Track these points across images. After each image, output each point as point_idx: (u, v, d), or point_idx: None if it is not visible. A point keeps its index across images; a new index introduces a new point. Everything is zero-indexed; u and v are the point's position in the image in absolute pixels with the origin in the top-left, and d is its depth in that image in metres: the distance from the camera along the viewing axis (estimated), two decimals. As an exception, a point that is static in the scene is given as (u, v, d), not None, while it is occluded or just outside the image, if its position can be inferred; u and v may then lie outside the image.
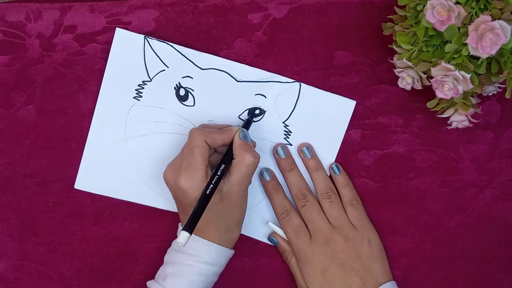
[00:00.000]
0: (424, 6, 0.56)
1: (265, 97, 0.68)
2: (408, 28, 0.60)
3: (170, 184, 0.62)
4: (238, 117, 0.69)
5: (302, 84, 0.68)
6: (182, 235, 0.56)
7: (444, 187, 0.70)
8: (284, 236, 0.69)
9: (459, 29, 0.55)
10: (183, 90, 0.68)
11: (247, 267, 0.71)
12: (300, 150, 0.69)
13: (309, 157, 0.69)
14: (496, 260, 0.71)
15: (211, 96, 0.68)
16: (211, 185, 0.60)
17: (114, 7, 0.67)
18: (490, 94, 0.64)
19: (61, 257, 0.71)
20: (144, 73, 0.68)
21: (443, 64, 0.56)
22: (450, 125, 0.64)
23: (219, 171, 0.61)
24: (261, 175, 0.69)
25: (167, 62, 0.68)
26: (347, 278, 0.65)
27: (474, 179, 0.70)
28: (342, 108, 0.69)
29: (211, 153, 0.64)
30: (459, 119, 0.63)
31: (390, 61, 0.64)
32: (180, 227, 0.66)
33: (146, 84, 0.68)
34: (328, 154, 0.69)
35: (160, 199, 0.70)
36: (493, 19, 0.53)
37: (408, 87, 0.63)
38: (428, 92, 0.62)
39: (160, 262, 0.66)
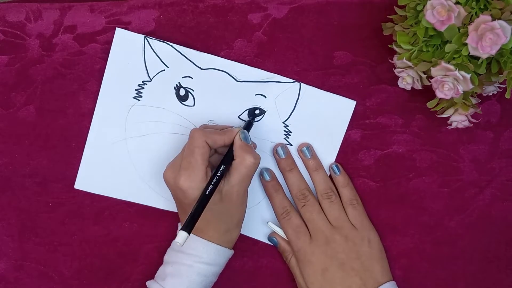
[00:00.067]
0: (424, 6, 0.56)
1: (265, 97, 0.68)
2: (408, 28, 0.60)
3: (170, 184, 0.62)
4: (238, 117, 0.69)
5: (302, 84, 0.68)
6: (180, 235, 0.56)
7: (444, 187, 0.70)
8: (284, 236, 0.69)
9: (459, 29, 0.55)
10: (183, 90, 0.68)
11: (247, 267, 0.71)
12: (300, 150, 0.69)
13: (309, 157, 0.69)
14: (496, 260, 0.71)
15: (211, 96, 0.68)
16: (211, 186, 0.60)
17: (114, 7, 0.67)
18: (490, 94, 0.64)
19: (61, 257, 0.71)
20: (144, 73, 0.68)
21: (443, 64, 0.56)
22: (450, 125, 0.64)
23: (219, 172, 0.61)
24: (261, 175, 0.69)
25: (167, 62, 0.68)
26: (347, 278, 0.65)
27: (474, 179, 0.70)
28: (342, 108, 0.69)
29: (211, 154, 0.64)
30: (459, 119, 0.63)
31: (390, 61, 0.64)
32: (180, 226, 0.66)
33: (146, 84, 0.68)
34: (328, 154, 0.69)
35: (160, 199, 0.70)
36: (493, 19, 0.53)
37: (408, 87, 0.63)
38: (428, 92, 0.62)
39: (160, 262, 0.66)
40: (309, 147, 0.69)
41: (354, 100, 0.69)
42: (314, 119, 0.69)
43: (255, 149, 0.67)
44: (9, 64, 0.68)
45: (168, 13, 0.68)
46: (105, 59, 0.68)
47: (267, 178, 0.69)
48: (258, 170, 0.69)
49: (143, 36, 0.67)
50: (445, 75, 0.57)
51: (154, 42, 0.67)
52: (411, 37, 0.60)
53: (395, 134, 0.69)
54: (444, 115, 0.63)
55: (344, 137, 0.69)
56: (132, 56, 0.68)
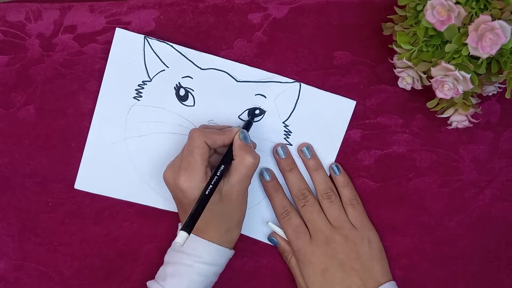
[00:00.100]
0: (424, 6, 0.56)
1: (265, 97, 0.68)
2: (408, 28, 0.60)
3: (170, 184, 0.62)
4: (238, 117, 0.69)
5: (302, 84, 0.68)
6: (180, 235, 0.56)
7: (444, 187, 0.70)
8: (284, 236, 0.69)
9: (459, 29, 0.55)
10: (183, 90, 0.68)
11: (247, 267, 0.71)
12: (300, 150, 0.69)
13: (309, 157, 0.69)
14: (496, 260, 0.71)
15: (211, 96, 0.68)
16: (210, 185, 0.60)
17: (114, 7, 0.67)
18: (490, 94, 0.64)
19: (61, 257, 0.71)
20: (144, 73, 0.68)
21: (443, 64, 0.56)
22: (450, 125, 0.64)
23: (219, 172, 0.61)
24: (261, 175, 0.69)
25: (167, 62, 0.68)
26: (347, 278, 0.65)
27: (474, 179, 0.70)
28: (342, 108, 0.69)
29: (211, 154, 0.64)
30: (459, 119, 0.63)
31: (390, 61, 0.64)
32: (180, 227, 0.66)
33: (146, 84, 0.68)
34: (328, 154, 0.69)
35: (160, 199, 0.70)
36: (493, 19, 0.53)
37: (408, 87, 0.63)
38: (428, 92, 0.62)
39: (160, 262, 0.66)
40: (309, 147, 0.69)
41: (354, 100, 0.69)
42: (314, 119, 0.69)
43: (255, 148, 0.67)
44: (9, 64, 0.68)
45: (168, 13, 0.68)
46: (105, 59, 0.68)
47: (267, 178, 0.69)
48: (258, 170, 0.69)
49: (143, 36, 0.67)
50: (445, 75, 0.57)
51: (154, 42, 0.67)
52: (411, 37, 0.60)
53: (395, 134, 0.69)
54: (444, 115, 0.63)
55: (344, 137, 0.69)
56: (132, 56, 0.68)
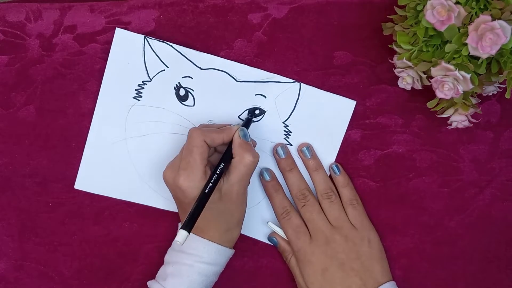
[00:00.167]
0: (424, 6, 0.56)
1: (265, 97, 0.68)
2: (408, 28, 0.60)
3: (170, 183, 0.62)
4: (238, 117, 0.69)
5: (302, 84, 0.68)
6: (181, 234, 0.56)
7: (444, 187, 0.70)
8: (284, 236, 0.69)
9: (459, 29, 0.55)
10: (183, 90, 0.68)
11: (247, 267, 0.71)
12: (300, 150, 0.69)
13: (309, 157, 0.69)
14: (496, 260, 0.71)
15: (211, 96, 0.68)
16: (210, 184, 0.60)
17: (114, 7, 0.67)
18: (490, 94, 0.64)
19: (61, 257, 0.71)
20: (144, 73, 0.68)
21: (443, 64, 0.56)
22: (450, 125, 0.64)
23: (218, 170, 0.61)
24: (261, 175, 0.69)
25: (167, 62, 0.68)
26: (347, 278, 0.65)
27: (474, 179, 0.70)
28: (342, 108, 0.69)
29: (211, 153, 0.64)
30: (459, 119, 0.63)
31: (390, 61, 0.64)
32: (180, 226, 0.66)
33: (146, 84, 0.68)
34: (328, 154, 0.69)
35: (160, 199, 0.70)
36: (493, 19, 0.53)
37: (408, 87, 0.63)
38: (428, 92, 0.62)
39: (160, 262, 0.66)
40: (309, 147, 0.69)
41: (354, 100, 0.69)
42: (314, 119, 0.69)
43: (255, 147, 0.67)
44: (9, 64, 0.68)
45: (168, 13, 0.68)
46: (105, 59, 0.68)
47: (267, 178, 0.69)
48: (257, 170, 0.69)
49: (142, 36, 0.67)
50: (445, 75, 0.57)
51: (154, 42, 0.67)
52: (411, 37, 0.60)
53: (395, 134, 0.69)
54: (444, 115, 0.63)
55: (344, 137, 0.69)
56: (132, 56, 0.68)
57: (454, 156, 0.70)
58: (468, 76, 0.56)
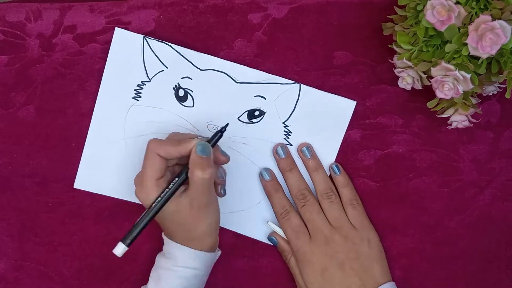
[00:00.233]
0: (424, 6, 0.56)
1: (265, 98, 0.68)
2: (408, 28, 0.60)
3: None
4: (238, 118, 0.69)
5: (302, 85, 0.68)
6: (118, 247, 0.57)
7: (444, 187, 0.70)
8: (284, 236, 0.69)
9: (459, 29, 0.55)
10: (182, 91, 0.68)
11: (247, 267, 0.71)
12: (300, 150, 0.69)
13: (309, 157, 0.69)
14: (496, 260, 0.71)
15: (210, 97, 0.68)
16: (158, 198, 0.60)
17: (114, 7, 0.67)
18: (490, 94, 0.64)
19: (61, 257, 0.71)
20: (143, 73, 0.68)
21: (443, 64, 0.56)
22: (450, 125, 0.64)
23: (171, 184, 0.60)
24: (260, 175, 0.69)
25: (166, 62, 0.68)
26: (346, 278, 0.65)
27: (474, 179, 0.70)
28: (342, 108, 0.69)
29: (172, 163, 0.63)
30: (459, 119, 0.63)
31: (390, 61, 0.64)
32: (163, 236, 0.65)
33: (145, 85, 0.68)
34: (328, 154, 0.69)
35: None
36: (493, 19, 0.53)
37: (408, 87, 0.63)
38: (428, 92, 0.62)
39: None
40: (309, 147, 0.69)
41: (354, 100, 0.69)
42: (314, 119, 0.69)
43: (227, 162, 0.64)
44: (9, 64, 0.68)
45: (168, 13, 0.68)
46: (105, 59, 0.68)
47: (267, 177, 0.69)
48: (257, 170, 0.69)
49: (142, 36, 0.67)
50: (445, 75, 0.57)
51: (153, 42, 0.67)
52: (411, 37, 0.60)
53: (395, 134, 0.69)
54: (444, 115, 0.63)
55: (344, 137, 0.69)
56: (131, 56, 0.68)
57: (454, 156, 0.70)
58: (468, 76, 0.56)
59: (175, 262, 0.62)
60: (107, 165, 0.69)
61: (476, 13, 0.55)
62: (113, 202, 0.70)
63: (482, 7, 0.55)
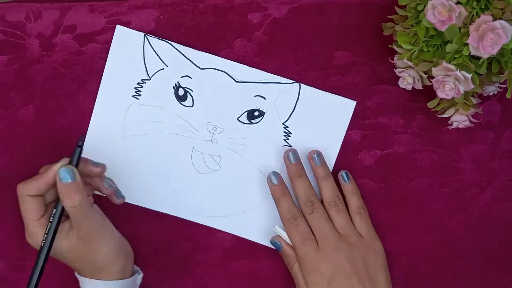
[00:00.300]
0: (425, 6, 0.56)
1: (264, 98, 0.68)
2: (408, 28, 0.60)
3: None
4: (237, 119, 0.68)
5: (301, 85, 0.68)
6: None
7: (444, 187, 0.70)
8: (288, 241, 0.68)
9: (460, 29, 0.55)
10: (182, 90, 0.68)
11: (246, 269, 0.71)
12: (310, 157, 0.68)
13: (319, 164, 0.68)
14: (497, 260, 0.71)
15: (210, 96, 0.68)
16: (45, 235, 0.59)
17: (114, 7, 0.67)
18: (491, 94, 0.64)
19: (61, 257, 0.70)
20: (143, 72, 0.68)
21: (444, 64, 0.56)
22: (451, 125, 0.64)
23: (51, 217, 0.59)
24: (269, 178, 0.68)
25: (166, 60, 0.68)
26: (353, 287, 0.65)
27: (474, 179, 0.70)
28: (342, 109, 0.69)
29: (52, 197, 0.62)
30: (459, 119, 0.63)
31: (391, 61, 0.64)
32: (75, 275, 0.65)
33: (145, 83, 0.68)
34: (328, 154, 0.69)
35: (158, 200, 0.70)
36: (494, 19, 0.53)
37: (409, 87, 0.63)
38: (428, 92, 0.62)
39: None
40: (319, 154, 0.68)
41: (354, 100, 0.69)
42: (314, 119, 0.69)
43: (102, 171, 0.63)
44: (9, 64, 0.68)
45: (168, 13, 0.67)
46: (105, 59, 0.68)
47: (275, 182, 0.68)
48: (257, 171, 0.69)
49: (142, 34, 0.67)
50: (446, 75, 0.57)
51: (154, 40, 0.67)
52: (411, 37, 0.59)
53: (395, 134, 0.69)
54: (444, 115, 0.63)
55: (344, 138, 0.69)
56: (132, 53, 0.68)
57: (455, 156, 0.70)
58: (469, 76, 0.56)
59: None
60: (107, 165, 0.69)
61: (477, 13, 0.55)
62: (112, 202, 0.70)
63: (483, 7, 0.55)
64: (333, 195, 0.67)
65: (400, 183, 0.70)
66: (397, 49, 0.61)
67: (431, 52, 0.58)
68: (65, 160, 0.61)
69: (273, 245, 0.69)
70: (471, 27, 0.54)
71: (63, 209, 0.60)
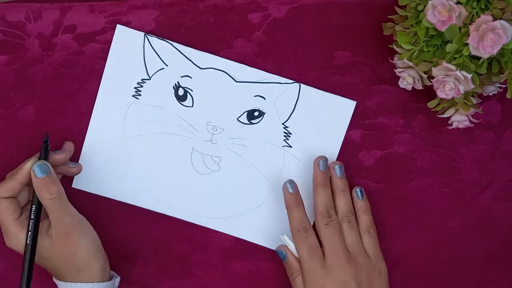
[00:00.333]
0: (425, 6, 0.56)
1: (264, 98, 0.68)
2: (408, 28, 0.60)
3: None
4: (237, 119, 0.68)
5: (301, 85, 0.68)
6: None
7: (445, 187, 0.70)
8: (295, 252, 0.67)
9: (460, 29, 0.55)
10: (182, 90, 0.68)
11: (246, 271, 0.71)
12: (332, 167, 0.68)
13: (340, 176, 0.67)
14: (497, 260, 0.71)
15: (210, 97, 0.68)
16: (29, 233, 0.60)
17: (114, 7, 0.67)
18: (491, 94, 0.64)
19: (61, 257, 0.70)
20: (143, 71, 0.68)
21: (444, 64, 0.56)
22: (451, 125, 0.64)
23: (31, 214, 0.60)
24: (284, 187, 0.67)
25: (166, 60, 0.68)
26: None
27: (475, 179, 0.70)
28: (342, 109, 0.69)
29: (26, 197, 0.62)
30: (460, 119, 0.63)
31: (391, 61, 0.64)
32: (54, 280, 0.65)
33: (145, 83, 0.68)
34: (328, 155, 0.69)
35: (157, 201, 0.70)
36: (494, 19, 0.53)
37: (409, 87, 0.63)
38: (428, 92, 0.62)
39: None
40: (341, 166, 0.67)
41: (354, 100, 0.69)
42: (314, 120, 0.69)
43: (78, 172, 0.65)
44: (9, 64, 0.68)
45: (168, 13, 0.67)
46: (105, 59, 0.68)
47: (290, 190, 0.67)
48: (257, 172, 0.69)
49: (143, 33, 0.67)
50: (446, 75, 0.57)
51: (154, 39, 0.67)
52: (411, 37, 0.59)
53: (395, 134, 0.69)
54: (445, 115, 0.63)
55: (344, 138, 0.69)
56: (132, 53, 0.68)
57: (455, 156, 0.70)
58: (469, 76, 0.56)
59: None
60: (106, 165, 0.69)
61: (477, 13, 0.55)
62: (112, 202, 0.70)
63: (483, 7, 0.55)
64: (348, 210, 0.67)
65: (400, 183, 0.70)
66: (397, 49, 0.61)
67: (431, 52, 0.58)
68: (35, 158, 0.62)
69: (278, 254, 0.68)
70: (471, 27, 0.54)
71: (41, 205, 0.61)
